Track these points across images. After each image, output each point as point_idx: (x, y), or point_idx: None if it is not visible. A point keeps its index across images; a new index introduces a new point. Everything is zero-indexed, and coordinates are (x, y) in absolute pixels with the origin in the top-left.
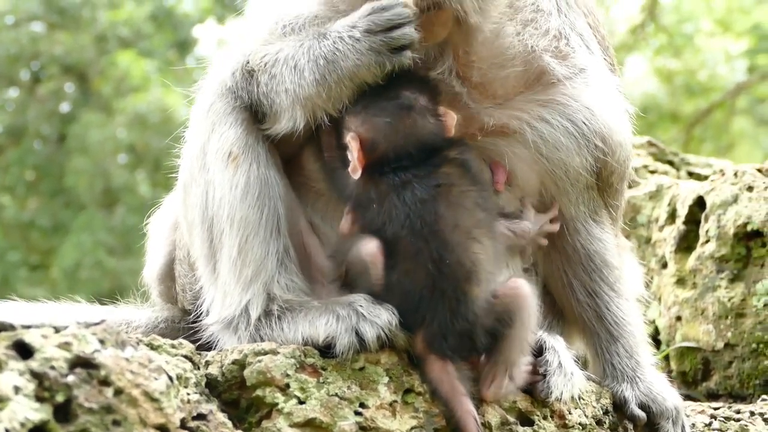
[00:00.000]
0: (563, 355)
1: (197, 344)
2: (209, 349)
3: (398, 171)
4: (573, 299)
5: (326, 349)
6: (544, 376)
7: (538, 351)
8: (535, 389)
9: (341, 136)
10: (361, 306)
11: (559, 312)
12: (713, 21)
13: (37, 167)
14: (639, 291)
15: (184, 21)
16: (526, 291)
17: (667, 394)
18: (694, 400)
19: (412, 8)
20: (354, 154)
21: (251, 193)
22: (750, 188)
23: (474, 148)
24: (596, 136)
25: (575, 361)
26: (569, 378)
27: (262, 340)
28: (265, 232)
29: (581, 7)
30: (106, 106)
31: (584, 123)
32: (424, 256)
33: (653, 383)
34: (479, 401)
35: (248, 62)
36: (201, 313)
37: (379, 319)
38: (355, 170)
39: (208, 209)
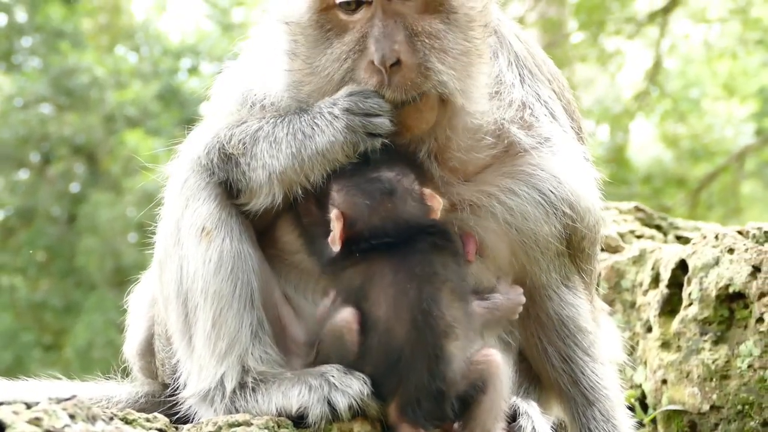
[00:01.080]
0: (537, 420)
1: (176, 418)
2: (189, 422)
3: (379, 247)
4: (548, 365)
5: (299, 420)
6: None
7: (512, 416)
8: None
9: (324, 206)
10: (332, 376)
11: (535, 378)
12: (718, 85)
13: (48, 248)
14: (615, 354)
15: (190, 99)
16: (498, 359)
17: None
18: None
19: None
20: (335, 229)
21: (224, 267)
22: (731, 250)
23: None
24: (564, 204)
25: (551, 427)
26: None
27: (237, 411)
28: (238, 305)
29: (545, 74)
30: (115, 185)
31: (551, 191)
32: (406, 318)
33: None
34: None
35: (224, 146)
36: (179, 387)
37: (351, 388)
38: (334, 243)
39: (183, 284)
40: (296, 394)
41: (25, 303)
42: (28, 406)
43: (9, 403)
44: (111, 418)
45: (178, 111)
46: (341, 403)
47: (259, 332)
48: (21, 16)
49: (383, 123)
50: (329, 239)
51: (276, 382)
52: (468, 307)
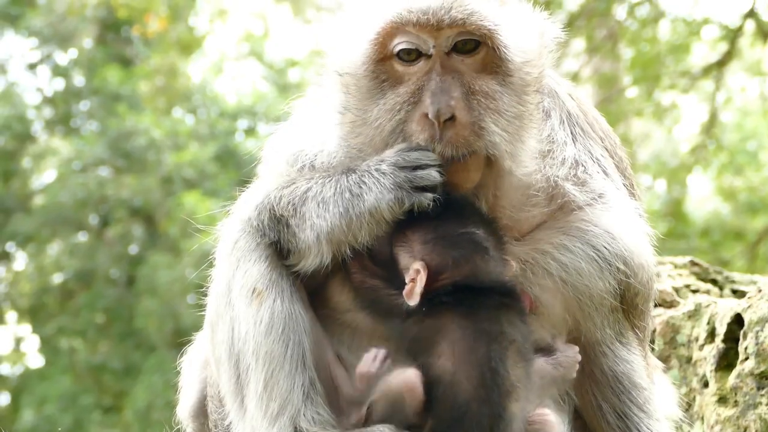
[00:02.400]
0: None
1: None
2: None
3: (450, 303)
4: (603, 422)
5: None
6: None
7: None
8: None
9: (386, 260)
10: None
11: None
12: None
13: (107, 310)
14: (671, 411)
15: (247, 159)
16: (553, 419)
17: None
18: None
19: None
20: (418, 282)
21: (275, 328)
22: None
23: None
24: (618, 260)
25: None
26: None
27: None
28: (290, 366)
29: (597, 132)
30: (173, 246)
31: (605, 247)
32: (474, 374)
33: None
34: None
35: (274, 208)
36: None
37: None
38: (412, 296)
39: (234, 345)
40: None
41: (85, 365)
42: None
43: None
44: None
45: (235, 172)
46: None
47: (311, 393)
48: (78, 79)
49: (431, 175)
50: (405, 292)
51: None
52: (530, 367)
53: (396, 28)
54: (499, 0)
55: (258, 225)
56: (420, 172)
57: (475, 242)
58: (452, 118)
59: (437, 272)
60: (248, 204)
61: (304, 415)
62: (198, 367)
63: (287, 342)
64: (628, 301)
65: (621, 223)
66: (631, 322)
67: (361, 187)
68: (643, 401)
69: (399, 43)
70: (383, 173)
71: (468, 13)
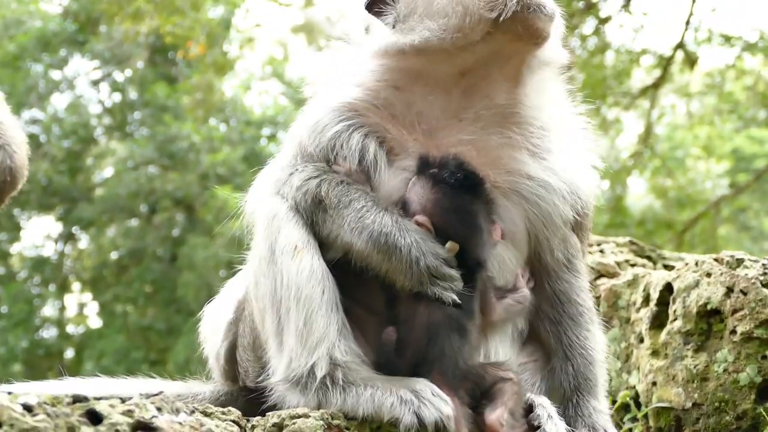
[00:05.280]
0: (550, 409)
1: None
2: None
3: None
4: (542, 328)
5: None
6: (539, 426)
7: (530, 409)
8: None
9: (405, 203)
10: (424, 395)
11: (544, 376)
12: (699, 147)
13: (154, 282)
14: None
15: (270, 160)
16: (514, 375)
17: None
18: None
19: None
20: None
21: (315, 275)
22: (708, 275)
23: None
24: (578, 192)
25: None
26: (558, 426)
27: (329, 403)
28: (326, 307)
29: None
30: (208, 230)
31: (569, 180)
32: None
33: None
34: None
35: (318, 195)
36: (261, 389)
37: (441, 410)
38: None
39: (277, 293)
40: (389, 405)
41: (135, 326)
42: (123, 401)
43: (107, 398)
44: (192, 412)
45: (260, 170)
46: (429, 417)
47: (343, 330)
48: (132, 94)
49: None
50: (418, 219)
51: (366, 388)
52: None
53: None
54: None
55: (296, 204)
56: (443, 283)
57: (476, 224)
58: None
59: (435, 233)
60: (291, 186)
61: (338, 347)
62: (224, 323)
63: (323, 288)
64: (579, 224)
65: (580, 160)
66: (579, 238)
67: (397, 246)
68: (575, 313)
69: None
70: (416, 260)
71: None
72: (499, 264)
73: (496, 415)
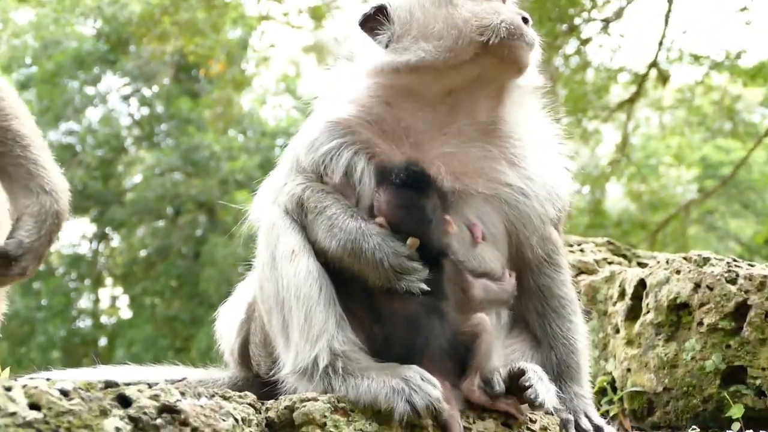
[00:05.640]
0: (540, 373)
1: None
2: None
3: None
4: (530, 319)
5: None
6: (530, 386)
7: (522, 373)
8: (525, 397)
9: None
10: (413, 381)
11: (531, 347)
12: (670, 155)
13: (179, 277)
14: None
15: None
16: (485, 319)
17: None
18: (642, 431)
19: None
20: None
21: (311, 275)
22: (678, 272)
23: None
24: (558, 193)
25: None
26: (549, 388)
27: (333, 390)
28: (324, 303)
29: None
30: (228, 230)
31: (548, 183)
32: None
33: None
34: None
35: (301, 199)
36: (273, 380)
37: (430, 394)
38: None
39: (280, 294)
40: (383, 396)
41: (162, 317)
42: (150, 386)
43: (135, 384)
44: (212, 396)
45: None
46: (420, 403)
47: (341, 323)
48: (159, 108)
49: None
50: (378, 221)
51: (363, 379)
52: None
53: None
54: None
55: (286, 209)
56: (408, 277)
57: (424, 217)
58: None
59: (393, 230)
60: (283, 193)
61: (336, 338)
62: (237, 323)
63: (320, 286)
64: (556, 221)
65: (554, 165)
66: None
67: (364, 250)
68: (558, 305)
69: None
70: (383, 259)
71: None
72: (481, 262)
73: (466, 384)
